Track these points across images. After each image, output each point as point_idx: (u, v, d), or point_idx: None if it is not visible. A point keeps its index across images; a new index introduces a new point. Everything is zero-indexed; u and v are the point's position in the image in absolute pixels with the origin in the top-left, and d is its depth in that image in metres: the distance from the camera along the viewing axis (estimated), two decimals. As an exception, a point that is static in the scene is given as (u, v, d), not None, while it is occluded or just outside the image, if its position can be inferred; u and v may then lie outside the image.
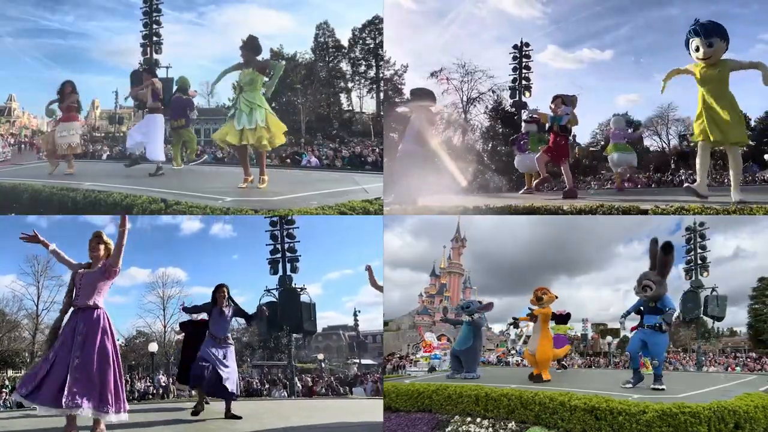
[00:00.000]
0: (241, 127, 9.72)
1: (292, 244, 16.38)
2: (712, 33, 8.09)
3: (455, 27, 29.65)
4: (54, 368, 5.36)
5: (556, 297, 9.53)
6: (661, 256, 7.64)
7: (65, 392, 5.24)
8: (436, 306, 30.36)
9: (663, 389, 7.54)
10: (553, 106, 11.53)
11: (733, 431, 5.85)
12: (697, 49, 8.16)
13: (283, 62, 9.84)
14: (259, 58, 9.88)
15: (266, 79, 9.81)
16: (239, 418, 7.47)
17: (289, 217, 16.23)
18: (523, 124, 14.00)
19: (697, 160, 8.63)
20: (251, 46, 9.74)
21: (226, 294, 7.64)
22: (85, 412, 5.33)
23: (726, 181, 23.96)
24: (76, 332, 5.44)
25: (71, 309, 5.65)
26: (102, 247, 5.67)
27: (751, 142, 28.11)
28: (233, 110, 9.90)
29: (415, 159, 9.39)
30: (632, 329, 8.32)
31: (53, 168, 12.89)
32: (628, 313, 8.15)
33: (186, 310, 8.63)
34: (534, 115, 12.31)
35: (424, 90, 10.14)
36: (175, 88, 14.56)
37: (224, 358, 7.46)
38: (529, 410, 6.80)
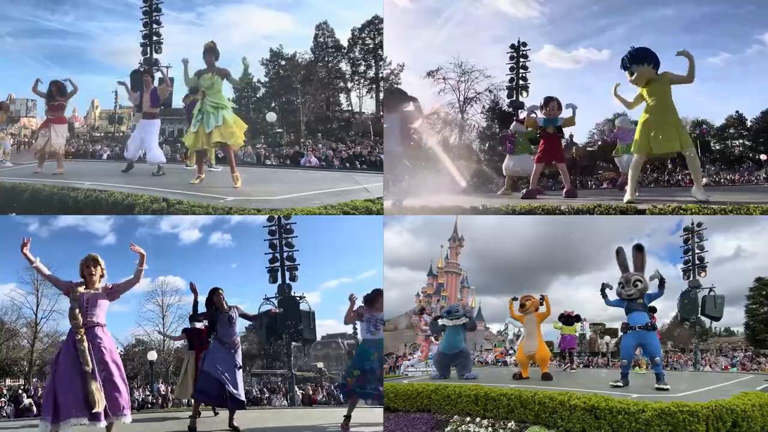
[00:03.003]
0: (210, 129, 10.19)
1: (290, 253, 16.43)
2: (631, 62, 8.99)
3: (451, 26, 29.72)
4: (71, 383, 5.57)
5: (541, 303, 9.73)
6: (636, 254, 7.99)
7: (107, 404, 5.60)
8: (434, 306, 30.39)
9: (668, 389, 7.47)
10: (546, 109, 11.56)
11: (731, 429, 5.89)
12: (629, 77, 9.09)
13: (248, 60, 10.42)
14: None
15: (225, 82, 10.35)
16: (237, 430, 7.27)
17: (288, 226, 16.34)
18: (514, 123, 13.81)
19: (631, 172, 9.33)
20: (213, 51, 10.24)
21: (223, 296, 7.34)
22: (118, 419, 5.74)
23: (722, 182, 24.15)
24: (94, 349, 5.73)
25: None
26: (99, 269, 6.05)
27: (747, 142, 28.31)
28: (200, 115, 10.30)
29: (400, 160, 9.48)
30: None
31: (40, 167, 12.94)
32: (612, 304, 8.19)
33: (193, 318, 8.66)
34: (533, 114, 12.17)
35: (399, 90, 10.26)
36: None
37: (232, 366, 7.14)
38: (528, 410, 6.83)
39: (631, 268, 7.98)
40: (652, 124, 8.90)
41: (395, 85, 28.04)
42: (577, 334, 15.15)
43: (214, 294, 7.31)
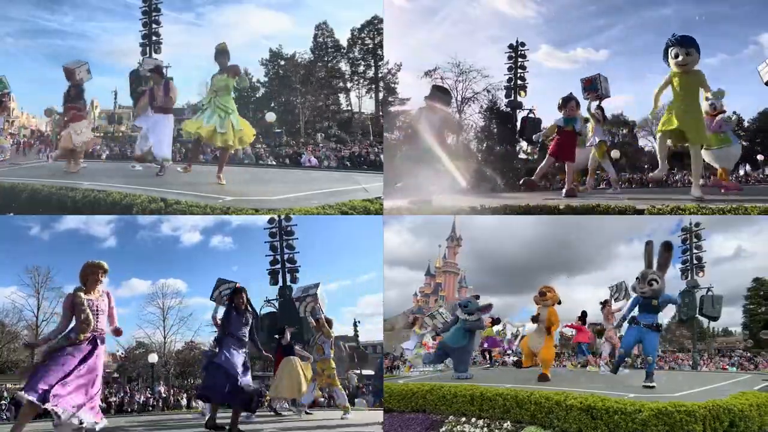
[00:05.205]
0: (212, 126, 10.37)
1: (291, 255, 16.43)
2: (689, 44, 9.16)
3: (448, 25, 29.72)
4: (71, 380, 5.57)
5: (560, 302, 9.62)
6: (663, 252, 7.85)
7: (86, 406, 5.58)
8: (431, 306, 30.34)
9: (654, 386, 7.58)
10: (566, 109, 11.18)
11: (728, 429, 5.90)
12: (677, 56, 9.18)
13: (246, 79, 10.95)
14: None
15: (235, 84, 10.57)
16: None
17: (289, 228, 16.34)
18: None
19: (659, 150, 9.69)
20: (226, 53, 10.41)
21: (245, 299, 7.25)
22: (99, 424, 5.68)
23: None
24: (96, 355, 5.74)
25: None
26: (104, 278, 6.04)
27: (744, 143, 28.39)
28: (208, 112, 10.48)
29: (431, 158, 9.51)
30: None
31: (74, 167, 12.87)
32: (627, 316, 8.17)
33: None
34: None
35: (442, 87, 10.20)
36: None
37: (242, 363, 7.05)
38: (524, 410, 6.82)
39: (655, 266, 7.86)
40: (692, 114, 9.28)
41: (392, 85, 28.11)
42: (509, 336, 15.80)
43: (236, 294, 7.24)
